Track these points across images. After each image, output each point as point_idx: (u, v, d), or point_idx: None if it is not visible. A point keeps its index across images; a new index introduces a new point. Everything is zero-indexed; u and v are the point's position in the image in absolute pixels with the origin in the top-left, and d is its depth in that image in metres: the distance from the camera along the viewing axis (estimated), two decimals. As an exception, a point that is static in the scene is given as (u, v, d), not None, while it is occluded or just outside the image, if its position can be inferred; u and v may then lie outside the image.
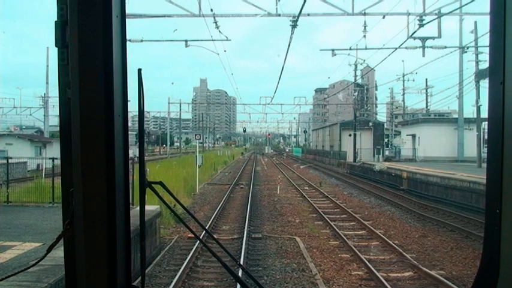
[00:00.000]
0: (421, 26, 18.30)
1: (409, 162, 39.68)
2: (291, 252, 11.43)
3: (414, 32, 19.05)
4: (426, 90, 52.65)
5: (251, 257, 10.91)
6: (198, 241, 9.13)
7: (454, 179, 20.05)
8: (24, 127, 67.88)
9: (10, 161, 17.96)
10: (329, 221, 15.34)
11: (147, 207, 10.38)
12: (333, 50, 25.24)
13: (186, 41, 20.75)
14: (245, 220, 15.19)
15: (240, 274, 7.09)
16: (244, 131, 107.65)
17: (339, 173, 39.58)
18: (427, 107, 53.40)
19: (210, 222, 14.78)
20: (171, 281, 8.51)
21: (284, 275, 9.44)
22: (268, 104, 56.97)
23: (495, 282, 1.37)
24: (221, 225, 15.26)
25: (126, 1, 1.52)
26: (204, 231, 7.91)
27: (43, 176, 20.81)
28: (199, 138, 29.04)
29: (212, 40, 20.30)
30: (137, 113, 1.60)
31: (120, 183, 1.45)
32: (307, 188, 27.42)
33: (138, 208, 1.59)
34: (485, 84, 29.62)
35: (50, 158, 17.76)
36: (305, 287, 8.72)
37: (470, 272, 9.69)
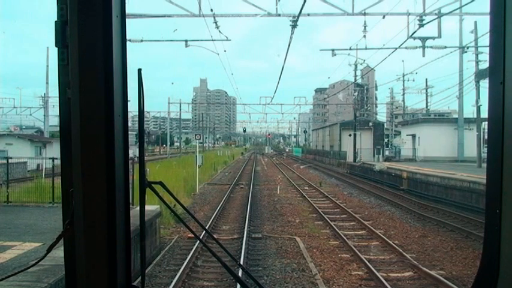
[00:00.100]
0: (421, 26, 18.30)
1: (409, 162, 39.69)
2: (291, 252, 11.43)
3: (414, 32, 19.06)
4: (426, 90, 52.69)
5: (251, 257, 10.91)
6: (198, 241, 9.13)
7: (454, 179, 20.05)
8: (24, 127, 67.88)
9: (10, 161, 17.96)
10: (329, 221, 15.34)
11: (147, 207, 10.38)
12: (333, 50, 25.25)
13: (186, 41, 20.76)
14: (245, 220, 15.19)
15: (240, 274, 7.10)
16: (244, 131, 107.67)
17: (339, 173, 39.58)
18: (427, 107, 53.41)
19: (210, 222, 14.78)
20: (171, 281, 8.51)
21: (284, 275, 9.44)
22: (268, 104, 57.04)
23: (495, 282, 1.37)
24: (221, 225, 15.26)
25: (126, 1, 1.52)
26: (204, 231, 7.91)
27: (43, 176, 20.82)
28: (199, 138, 29.04)
29: (212, 40, 20.32)
30: (137, 113, 1.60)
31: (120, 183, 1.45)
32: (307, 188, 27.42)
33: (138, 208, 1.59)
34: (485, 84, 29.65)
35: (50, 158, 17.77)
36: (305, 287, 8.72)
37: (470, 272, 9.69)
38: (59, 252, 1.44)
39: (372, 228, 14.18)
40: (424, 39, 20.66)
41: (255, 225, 14.98)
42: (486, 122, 6.26)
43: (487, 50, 2.01)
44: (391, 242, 12.10)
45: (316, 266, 10.05)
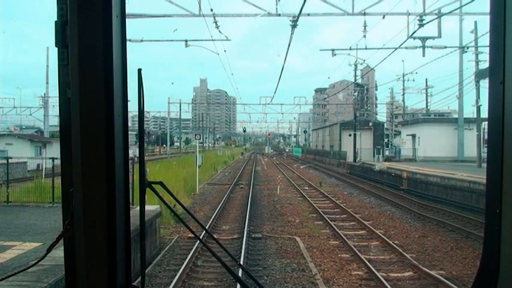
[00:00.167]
0: (421, 26, 18.30)
1: (409, 162, 39.69)
2: (291, 252, 11.43)
3: (414, 32, 19.06)
4: (426, 90, 52.69)
5: (251, 257, 10.91)
6: (198, 241, 9.13)
7: (454, 179, 20.05)
8: (24, 127, 67.86)
9: (10, 161, 17.96)
10: (329, 221, 15.34)
11: (147, 207, 10.39)
12: (333, 50, 25.26)
13: (186, 41, 20.76)
14: (245, 220, 15.19)
15: (240, 274, 7.10)
16: (244, 131, 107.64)
17: (339, 173, 39.59)
18: (427, 107, 53.41)
19: (210, 222, 14.78)
20: (171, 281, 8.51)
21: (284, 275, 9.44)
22: (268, 104, 57.00)
23: (495, 282, 1.37)
24: (221, 225, 15.26)
25: (126, 1, 1.52)
26: (204, 231, 7.91)
27: (43, 176, 20.83)
28: (199, 138, 29.04)
29: (212, 40, 20.33)
30: (137, 113, 1.60)
31: (120, 183, 1.45)
32: (307, 188, 27.42)
33: (138, 208, 1.59)
34: (485, 84, 29.65)
35: (50, 158, 17.77)
36: (305, 287, 8.72)
37: (470, 272, 9.69)
38: (59, 252, 1.44)
39: (372, 228, 14.18)
40: (424, 39, 20.66)
41: (255, 225, 14.98)
42: (486, 122, 6.26)
43: (487, 50, 2.01)
44: (391, 242, 12.10)
45: (316, 266, 10.05)
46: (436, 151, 41.00)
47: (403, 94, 55.46)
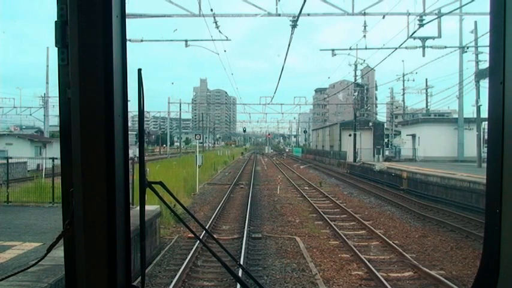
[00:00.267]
0: (421, 25, 18.30)
1: (409, 162, 39.69)
2: (291, 252, 11.43)
3: (414, 32, 19.05)
4: (426, 90, 52.67)
5: (251, 257, 10.91)
6: (198, 241, 9.13)
7: (454, 179, 20.04)
8: (24, 127, 67.86)
9: (10, 161, 17.96)
10: (329, 221, 15.34)
11: (147, 207, 10.38)
12: (333, 50, 25.25)
13: (186, 41, 20.76)
14: (245, 220, 15.19)
15: (240, 274, 7.10)
16: (244, 131, 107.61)
17: (339, 173, 39.59)
18: (427, 107, 53.41)
19: (210, 222, 14.78)
20: (171, 281, 8.51)
21: (284, 275, 9.44)
22: (268, 104, 56.97)
23: (495, 282, 1.37)
24: (221, 225, 15.26)
25: (126, 1, 1.52)
26: (204, 231, 7.91)
27: (43, 176, 20.83)
28: (199, 138, 29.04)
29: (212, 40, 20.33)
30: (137, 113, 1.60)
31: (120, 183, 1.45)
32: (307, 187, 27.42)
33: (138, 208, 1.59)
34: (485, 84, 29.65)
35: (50, 158, 17.78)
36: (305, 287, 8.72)
37: (470, 272, 9.69)
38: (59, 252, 1.44)
39: (372, 228, 14.18)
40: (424, 39, 20.65)
41: (255, 225, 14.98)
42: (486, 122, 6.26)
43: (487, 50, 2.01)
44: (391, 242, 12.10)
45: (316, 266, 10.05)
46: (436, 151, 41.00)
47: (403, 94, 55.51)
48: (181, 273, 8.95)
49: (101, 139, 1.37)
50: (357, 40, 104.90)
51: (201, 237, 2.56)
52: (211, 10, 17.63)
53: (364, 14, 18.12)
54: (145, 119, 26.45)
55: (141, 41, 20.04)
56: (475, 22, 29.64)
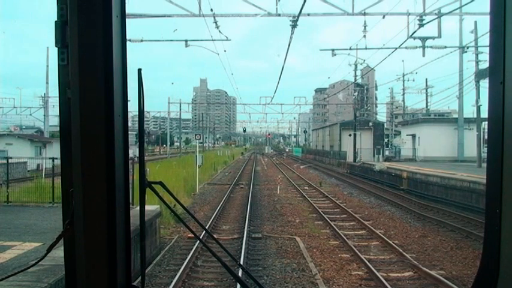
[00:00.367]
0: (421, 25, 18.29)
1: (409, 162, 39.68)
2: (291, 252, 11.43)
3: (414, 32, 19.05)
4: (426, 90, 52.69)
5: (251, 257, 10.91)
6: (198, 241, 9.13)
7: (454, 179, 20.04)
8: (24, 127, 67.86)
9: (10, 161, 17.96)
10: (329, 221, 15.34)
11: (147, 207, 10.38)
12: (333, 50, 25.26)
13: (186, 41, 20.75)
14: (245, 220, 15.19)
15: (240, 274, 7.10)
16: (244, 131, 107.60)
17: (339, 173, 39.59)
18: (427, 107, 53.41)
19: (210, 222, 14.78)
20: (171, 281, 8.51)
21: (284, 275, 9.44)
22: (268, 104, 56.97)
23: (495, 282, 1.37)
24: (221, 225, 15.26)
25: (126, 1, 1.52)
26: (204, 231, 7.91)
27: (43, 176, 20.82)
28: (199, 138, 29.04)
29: (212, 40, 20.33)
30: (137, 113, 1.60)
31: (120, 183, 1.45)
32: (307, 187, 27.42)
33: (138, 208, 1.59)
34: (485, 84, 29.65)
35: (50, 158, 17.78)
36: (305, 287, 8.72)
37: (470, 272, 9.69)
38: (59, 252, 1.44)
39: (372, 228, 14.18)
40: (424, 39, 20.65)
41: (255, 225, 14.98)
42: (486, 122, 6.26)
43: (487, 50, 2.01)
44: (391, 242, 12.10)
45: (316, 266, 10.05)
46: (436, 151, 41.00)
47: (403, 94, 55.51)
48: (181, 273, 8.95)
49: (101, 139, 1.37)
50: (357, 40, 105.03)
51: (201, 237, 2.56)
52: (211, 10, 17.66)
53: (364, 14, 18.12)
54: (145, 119, 26.46)
55: (141, 41, 20.05)
56: (475, 22, 29.68)
